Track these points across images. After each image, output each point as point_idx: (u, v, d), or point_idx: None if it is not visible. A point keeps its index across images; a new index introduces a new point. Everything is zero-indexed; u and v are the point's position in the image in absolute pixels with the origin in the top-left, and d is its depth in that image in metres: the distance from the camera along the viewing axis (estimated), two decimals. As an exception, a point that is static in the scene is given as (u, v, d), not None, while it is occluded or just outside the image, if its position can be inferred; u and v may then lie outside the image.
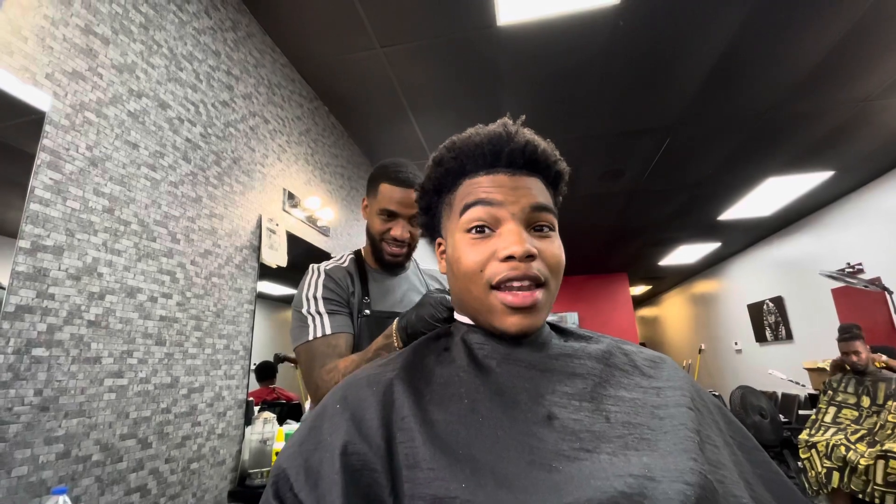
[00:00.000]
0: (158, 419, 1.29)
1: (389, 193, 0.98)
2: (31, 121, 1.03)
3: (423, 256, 1.17)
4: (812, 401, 3.98)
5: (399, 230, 1.00)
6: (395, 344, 0.78)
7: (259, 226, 1.87)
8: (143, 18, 1.37)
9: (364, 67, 2.27)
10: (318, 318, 0.93)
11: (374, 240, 1.03)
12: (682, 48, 2.21)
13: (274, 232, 1.95)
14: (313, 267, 1.03)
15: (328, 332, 0.91)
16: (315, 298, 0.95)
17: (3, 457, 0.89)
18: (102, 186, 1.18)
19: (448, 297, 0.70)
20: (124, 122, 1.26)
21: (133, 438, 1.20)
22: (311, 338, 0.91)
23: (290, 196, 2.13)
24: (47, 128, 1.05)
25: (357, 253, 1.11)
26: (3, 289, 0.94)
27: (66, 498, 0.86)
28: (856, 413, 2.72)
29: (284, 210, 2.08)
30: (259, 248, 1.85)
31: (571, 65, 2.31)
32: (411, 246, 1.04)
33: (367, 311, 0.99)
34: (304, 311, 0.94)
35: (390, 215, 1.00)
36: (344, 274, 1.02)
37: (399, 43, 2.11)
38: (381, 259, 1.04)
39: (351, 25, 1.99)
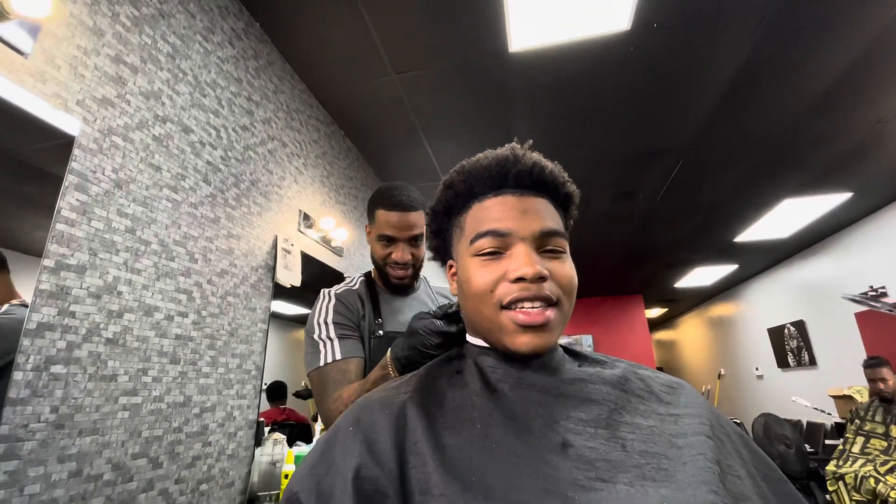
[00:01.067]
0: (170, 438, 1.29)
1: (386, 219, 0.99)
2: (61, 144, 1.07)
3: (435, 275, 1.17)
4: (839, 430, 3.82)
5: (399, 253, 1.00)
6: (392, 375, 0.77)
7: (274, 246, 1.90)
8: (171, 48, 1.43)
9: (379, 93, 2.33)
10: (328, 343, 0.94)
11: (379, 265, 1.05)
12: (693, 72, 2.23)
13: (289, 252, 1.97)
14: (324, 292, 1.04)
15: (338, 357, 0.92)
16: (326, 324, 0.96)
17: (16, 474, 0.90)
18: (126, 207, 1.21)
19: (436, 322, 0.69)
20: (149, 145, 1.31)
21: (144, 458, 1.20)
22: (321, 363, 0.92)
23: (306, 217, 2.17)
24: (76, 151, 1.09)
25: (367, 275, 1.12)
26: (26, 307, 0.96)
27: (77, 518, 0.86)
28: (885, 443, 2.59)
29: (300, 230, 2.11)
30: (274, 267, 1.88)
31: (582, 89, 2.34)
32: (416, 266, 1.05)
33: (380, 332, 0.99)
34: (315, 336, 0.95)
35: (389, 240, 1.01)
36: (354, 297, 1.03)
37: (413, 69, 2.17)
38: (389, 282, 1.06)
39: (367, 53, 2.05)
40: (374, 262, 1.06)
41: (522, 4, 1.79)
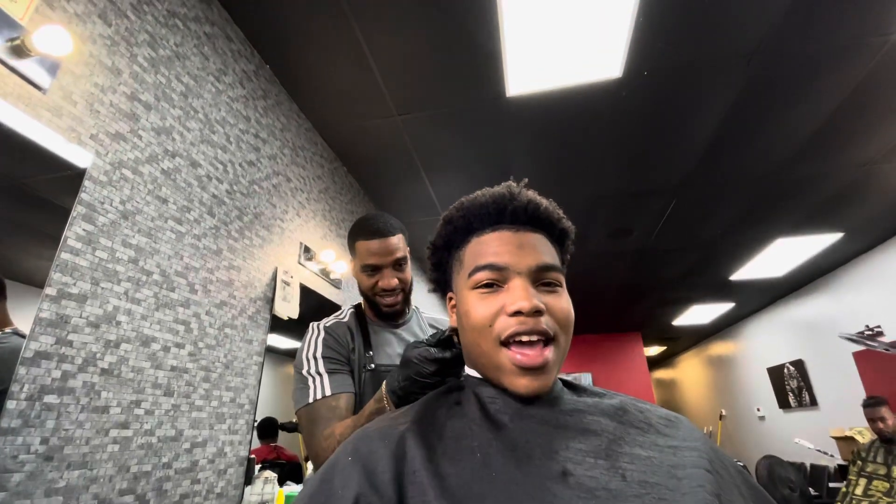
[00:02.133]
0: (158, 475, 1.25)
1: (366, 248, 0.99)
2: (71, 176, 1.10)
3: (425, 303, 1.18)
4: (842, 472, 3.72)
5: (386, 280, 0.99)
6: (388, 408, 0.75)
7: (274, 278, 1.91)
8: (184, 87, 1.50)
9: (382, 133, 2.42)
10: (318, 378, 0.92)
11: (368, 297, 1.04)
12: (683, 116, 2.32)
13: (288, 284, 1.98)
14: (313, 325, 1.02)
15: (328, 393, 0.89)
16: (315, 358, 0.94)
17: (1, 509, 0.87)
18: (130, 238, 1.23)
19: (431, 351, 0.69)
20: (157, 178, 1.35)
21: (131, 494, 1.16)
22: (311, 400, 0.89)
23: (307, 249, 2.19)
24: (86, 183, 1.12)
25: (357, 307, 1.10)
26: (19, 335, 0.96)
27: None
28: (887, 485, 2.53)
29: (300, 263, 2.13)
30: (273, 299, 1.88)
31: (577, 131, 2.43)
32: (405, 291, 1.04)
33: (371, 366, 0.97)
34: (304, 371, 0.93)
35: (374, 269, 1.00)
36: (344, 330, 1.01)
37: (415, 111, 2.26)
38: (380, 312, 1.04)
39: (371, 95, 2.14)
40: (363, 294, 1.05)
41: (520, 52, 1.89)
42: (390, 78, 2.05)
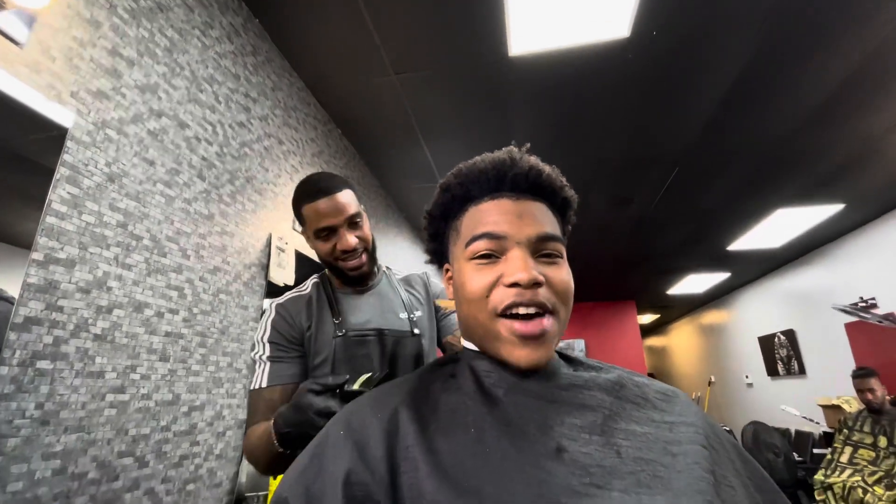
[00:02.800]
0: (157, 437, 1.27)
1: (314, 211, 0.91)
2: (53, 136, 1.06)
3: (400, 261, 1.16)
4: (827, 439, 3.85)
5: (344, 241, 0.92)
6: (276, 444, 0.73)
7: (268, 244, 1.89)
8: (168, 42, 1.42)
9: (378, 93, 2.33)
10: (262, 366, 0.89)
11: (330, 264, 0.96)
12: (691, 80, 2.24)
13: (283, 250, 1.96)
14: (268, 304, 0.96)
15: (264, 384, 0.86)
16: (262, 343, 0.90)
17: (-1, 471, 0.88)
18: (118, 202, 1.20)
19: (332, 404, 0.66)
20: (143, 139, 1.30)
21: (130, 456, 1.18)
22: (253, 387, 0.88)
23: (300, 215, 2.15)
24: (69, 143, 1.08)
25: (322, 275, 1.03)
26: (12, 303, 0.94)
27: (60, 517, 0.84)
28: (872, 454, 2.62)
29: (294, 229, 2.10)
30: (267, 265, 1.86)
31: (581, 94, 2.35)
32: (368, 250, 0.96)
33: (340, 333, 0.91)
34: (254, 355, 0.91)
35: (328, 232, 0.92)
36: (300, 307, 0.94)
37: (413, 70, 2.17)
38: (347, 278, 0.97)
39: (367, 52, 2.04)
40: (325, 263, 0.98)
41: (523, 9, 1.79)
42: (386, 34, 1.95)
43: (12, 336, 0.93)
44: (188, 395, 1.39)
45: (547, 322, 0.47)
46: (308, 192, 0.92)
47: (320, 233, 0.93)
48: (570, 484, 0.38)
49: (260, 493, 1.55)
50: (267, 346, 0.89)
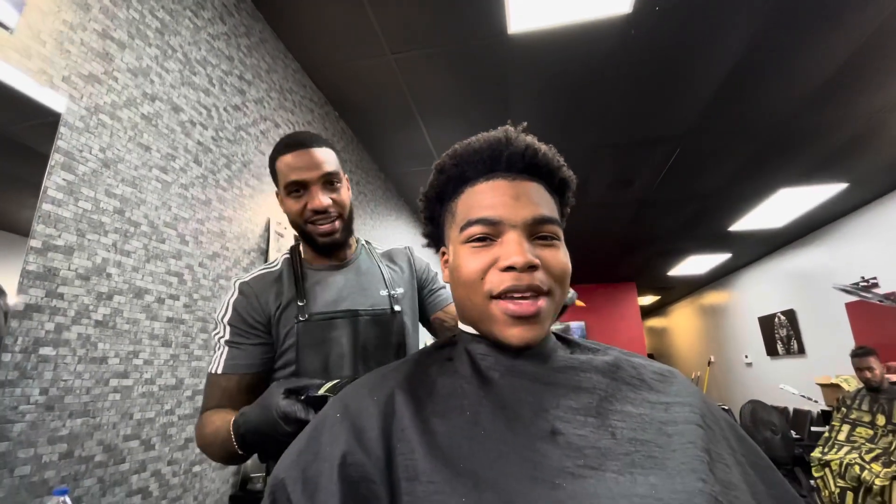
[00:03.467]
0: (162, 421, 1.29)
1: (286, 164, 0.84)
2: (47, 122, 1.04)
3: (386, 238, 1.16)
4: (825, 417, 3.90)
5: (315, 201, 0.83)
6: (235, 444, 0.68)
7: (267, 229, 1.88)
8: (159, 23, 1.39)
9: (375, 74, 2.29)
10: (221, 349, 0.81)
11: (300, 228, 0.87)
12: (693, 57, 2.20)
13: (282, 235, 1.96)
14: (232, 282, 0.87)
15: (219, 370, 0.80)
16: (222, 323, 0.82)
17: (6, 456, 0.89)
18: (114, 188, 1.19)
19: (298, 409, 0.61)
20: (137, 124, 1.28)
21: (136, 440, 1.20)
22: (210, 370, 0.81)
23: (299, 200, 2.14)
24: (62, 129, 1.06)
25: (292, 248, 0.94)
26: (3, 293, 0.93)
27: (68, 499, 0.86)
28: (870, 431, 2.65)
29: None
30: (267, 251, 1.86)
31: (581, 73, 2.31)
32: (343, 217, 0.87)
33: (303, 317, 0.82)
34: (213, 334, 0.84)
35: (298, 188, 0.84)
36: (265, 285, 0.85)
37: (410, 50, 2.12)
38: (317, 247, 0.88)
39: (363, 32, 2.00)
40: (295, 226, 0.88)
41: (522, -15, 1.75)
42: (382, 12, 1.91)
43: (14, 323, 0.93)
44: (191, 379, 1.41)
45: (541, 302, 0.47)
46: (283, 145, 0.86)
47: (290, 188, 0.84)
48: (564, 466, 0.38)
49: (265, 474, 1.58)
50: (227, 328, 0.81)
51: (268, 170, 1.90)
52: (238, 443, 0.67)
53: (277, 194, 0.90)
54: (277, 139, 2.01)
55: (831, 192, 3.78)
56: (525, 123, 0.55)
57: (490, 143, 0.52)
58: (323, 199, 0.83)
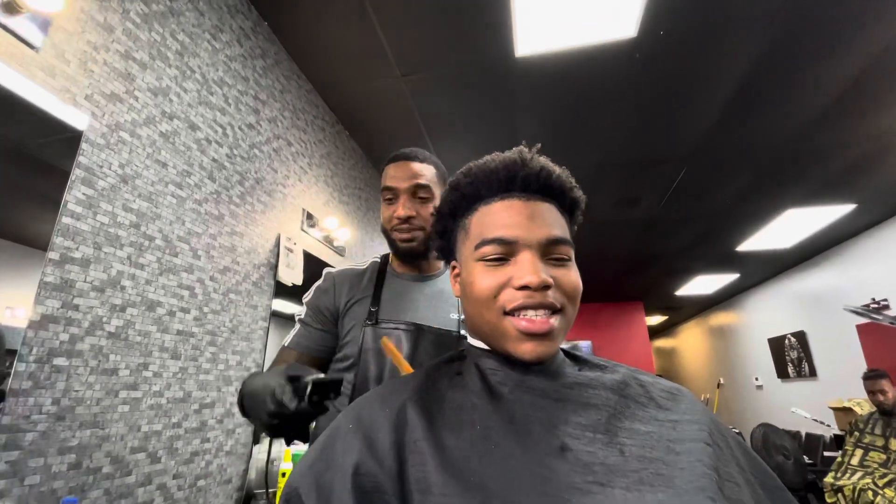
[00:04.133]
0: (169, 434, 1.29)
1: (387, 172, 0.93)
2: (68, 138, 1.08)
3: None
4: (838, 442, 3.80)
5: (400, 209, 0.88)
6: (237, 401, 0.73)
7: (277, 244, 1.91)
8: (179, 46, 1.44)
9: (385, 95, 2.34)
10: (295, 326, 0.93)
11: (387, 233, 0.94)
12: (699, 80, 2.23)
13: (291, 251, 1.98)
14: (324, 271, 0.99)
15: (287, 343, 0.91)
16: (304, 304, 0.94)
17: (17, 465, 0.90)
18: (131, 202, 1.22)
19: (286, 396, 0.55)
20: (156, 141, 1.32)
21: (143, 452, 1.20)
22: (283, 343, 0.92)
23: (309, 216, 2.18)
24: (84, 146, 1.10)
25: (384, 256, 1.00)
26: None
27: (76, 510, 0.86)
28: (884, 456, 2.58)
29: (303, 230, 2.12)
30: (276, 266, 1.88)
31: (587, 95, 2.35)
32: (424, 229, 0.89)
33: (371, 322, 0.87)
34: (298, 313, 0.95)
35: (390, 194, 0.91)
36: (346, 279, 0.93)
37: (419, 72, 2.18)
38: (398, 252, 0.93)
39: (374, 55, 2.06)
40: (383, 231, 0.95)
41: (529, 9, 1.80)
42: (393, 36, 1.97)
43: (30, 333, 0.95)
44: (199, 392, 1.41)
45: (554, 320, 0.48)
46: (391, 156, 0.94)
47: (384, 194, 0.92)
48: (573, 482, 0.38)
49: (269, 490, 1.57)
50: (305, 308, 0.92)
51: (280, 186, 1.94)
52: (238, 399, 0.70)
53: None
54: (290, 157, 2.05)
55: (839, 212, 3.76)
56: (539, 145, 0.56)
57: (506, 163, 0.53)
58: (405, 210, 0.89)
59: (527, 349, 0.47)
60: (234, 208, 1.65)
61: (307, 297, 0.94)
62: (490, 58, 2.08)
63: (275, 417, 0.54)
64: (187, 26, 1.48)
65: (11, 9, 0.95)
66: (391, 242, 0.93)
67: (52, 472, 0.97)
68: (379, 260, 0.99)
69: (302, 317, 0.92)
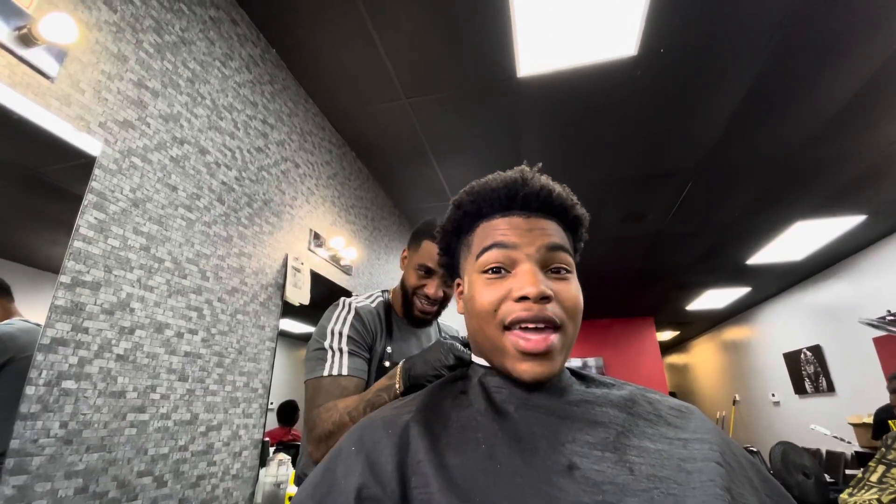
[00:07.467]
0: (175, 457, 1.28)
1: (430, 250, 1.00)
2: (82, 164, 1.11)
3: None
4: (860, 459, 3.67)
5: (433, 289, 1.01)
6: (397, 386, 0.77)
7: (285, 264, 1.92)
8: (191, 73, 1.49)
9: (390, 117, 2.39)
10: (337, 354, 0.92)
11: (408, 293, 1.05)
12: (701, 95, 2.25)
13: (299, 270, 1.99)
14: (344, 301, 1.02)
15: (344, 372, 0.90)
16: (340, 334, 0.95)
17: (24, 489, 0.90)
18: (141, 226, 1.24)
19: (458, 346, 0.72)
20: (166, 166, 1.35)
21: (149, 476, 1.19)
22: (324, 374, 0.90)
23: (316, 236, 2.20)
24: (96, 171, 1.13)
25: (386, 298, 1.11)
26: (39, 325, 0.97)
27: (81, 536, 0.86)
28: (906, 474, 2.48)
29: (310, 249, 2.14)
30: (283, 286, 1.89)
31: (590, 113, 2.37)
32: (443, 305, 1.05)
33: (387, 363, 1.00)
34: (325, 344, 0.94)
35: (427, 272, 1.01)
36: (373, 316, 1.02)
37: (423, 94, 2.22)
38: (410, 313, 1.05)
39: (379, 78, 2.11)
40: (404, 289, 1.06)
41: (531, 30, 1.83)
42: (397, 59, 2.01)
43: (39, 357, 0.96)
44: (206, 414, 1.41)
45: (553, 338, 0.47)
46: (432, 231, 1.02)
47: (421, 268, 1.02)
48: (581, 501, 0.37)
49: (275, 515, 1.55)
50: (346, 338, 0.95)
51: (288, 207, 1.97)
52: (404, 381, 0.77)
53: (405, 258, 1.10)
54: (298, 179, 2.08)
55: (850, 224, 3.72)
56: (540, 164, 0.57)
57: (506, 182, 0.54)
58: (437, 291, 1.02)
59: (525, 369, 0.47)
60: (242, 230, 1.67)
61: (343, 327, 0.96)
62: (493, 79, 2.12)
63: (451, 369, 0.69)
64: (198, 55, 1.53)
65: (28, 41, 0.99)
66: (408, 304, 1.05)
67: (59, 497, 0.96)
68: (382, 298, 1.10)
69: (348, 347, 0.94)
